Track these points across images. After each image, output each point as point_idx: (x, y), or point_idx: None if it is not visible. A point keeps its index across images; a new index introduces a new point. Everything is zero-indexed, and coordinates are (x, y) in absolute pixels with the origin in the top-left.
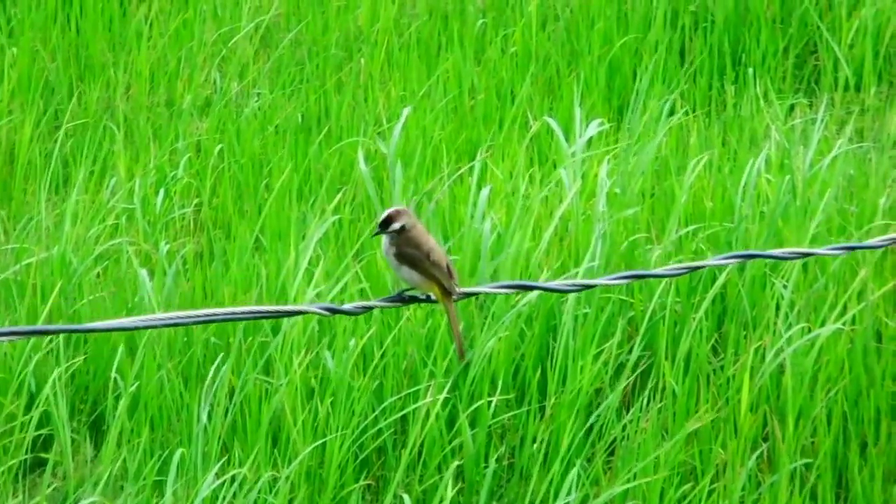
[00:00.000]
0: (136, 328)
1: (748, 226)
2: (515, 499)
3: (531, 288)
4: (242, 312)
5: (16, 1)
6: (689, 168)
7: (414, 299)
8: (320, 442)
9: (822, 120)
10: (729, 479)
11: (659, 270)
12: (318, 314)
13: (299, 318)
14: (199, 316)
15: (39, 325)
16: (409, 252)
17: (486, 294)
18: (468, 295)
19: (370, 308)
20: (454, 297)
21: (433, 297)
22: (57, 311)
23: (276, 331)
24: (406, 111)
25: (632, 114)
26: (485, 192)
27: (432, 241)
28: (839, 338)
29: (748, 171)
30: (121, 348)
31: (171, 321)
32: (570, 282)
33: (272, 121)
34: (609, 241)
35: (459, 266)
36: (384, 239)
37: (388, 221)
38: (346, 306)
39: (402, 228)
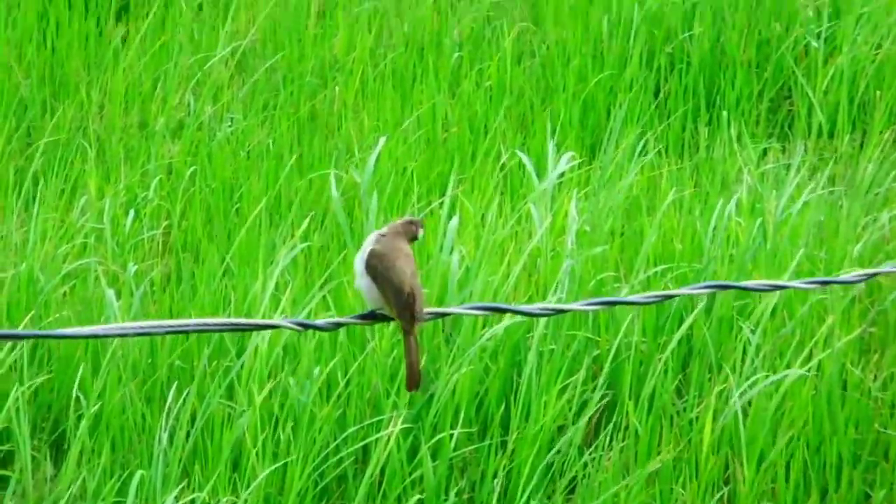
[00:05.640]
0: (108, 336)
1: (717, 268)
2: None
3: (502, 310)
4: (214, 324)
5: None
6: (660, 208)
7: (385, 318)
8: (280, 463)
9: (796, 166)
10: None
11: (631, 297)
12: (290, 328)
13: (264, 343)
14: (170, 326)
15: (7, 330)
16: (376, 265)
17: (457, 315)
18: (439, 315)
19: (341, 325)
20: (411, 325)
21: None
22: (22, 327)
23: (240, 355)
24: (382, 140)
25: (604, 152)
26: (453, 223)
27: (405, 264)
28: (804, 384)
29: (718, 213)
30: (85, 367)
31: (142, 330)
32: (541, 305)
33: (244, 146)
34: (577, 279)
35: (427, 298)
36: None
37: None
38: (318, 322)
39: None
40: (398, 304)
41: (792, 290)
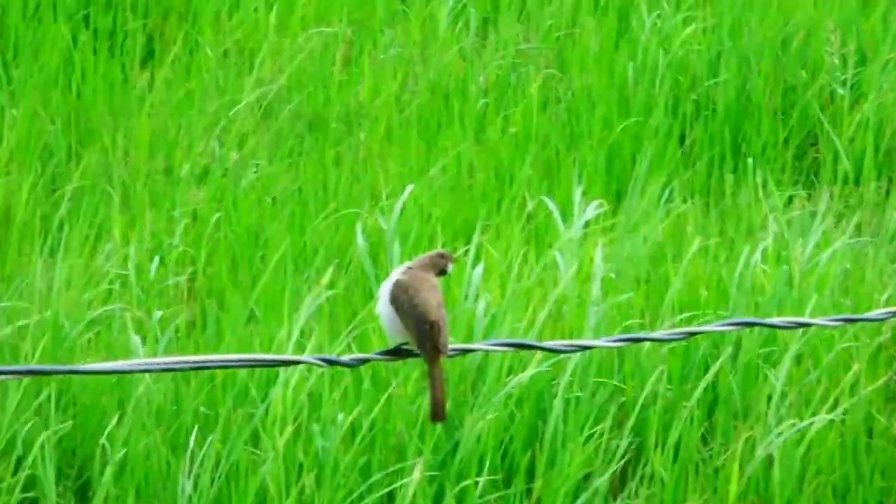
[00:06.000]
0: (132, 371)
1: (743, 315)
2: None
3: (527, 347)
4: (237, 360)
5: (18, 63)
6: (686, 255)
7: (410, 353)
8: None
9: (821, 213)
10: None
11: (656, 334)
12: (315, 365)
13: (289, 389)
14: (194, 362)
15: (34, 365)
16: (399, 296)
17: (482, 353)
18: (465, 351)
19: (367, 361)
20: (435, 356)
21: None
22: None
23: (265, 402)
24: (409, 188)
25: (630, 199)
26: (478, 270)
27: (431, 296)
28: (830, 431)
29: (744, 261)
30: (109, 413)
31: (166, 366)
32: (566, 342)
33: (270, 192)
34: (603, 326)
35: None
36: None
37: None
38: (343, 358)
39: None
40: (420, 335)
41: (818, 337)
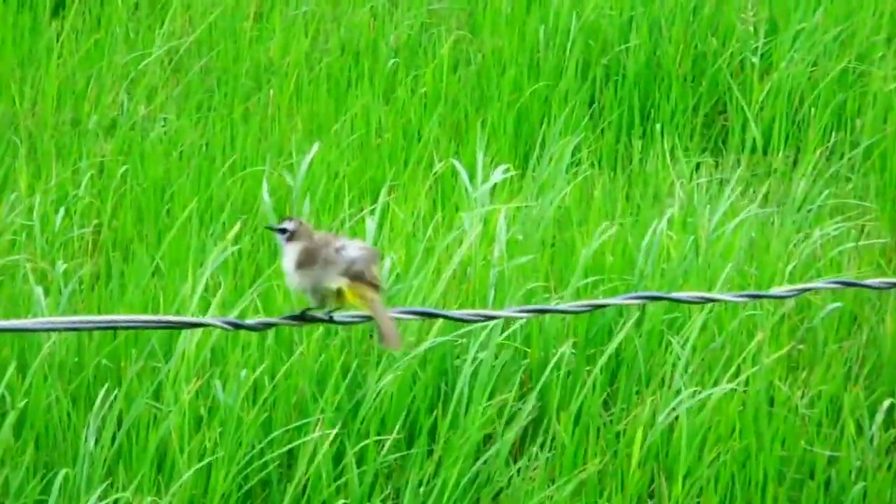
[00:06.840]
0: (36, 330)
1: (648, 282)
2: None
3: (434, 315)
4: (143, 321)
5: None
6: (593, 221)
7: (315, 319)
8: (205, 462)
9: (729, 181)
10: None
11: (562, 306)
12: (221, 328)
13: (192, 345)
14: (99, 322)
15: None
16: (304, 262)
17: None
18: (370, 318)
19: (272, 325)
20: (371, 291)
21: (335, 318)
22: None
23: (168, 357)
24: (316, 146)
25: (537, 162)
26: (370, 225)
27: (342, 243)
28: (732, 399)
29: (650, 227)
30: (11, 364)
31: (72, 325)
32: (472, 312)
33: (177, 146)
34: (507, 288)
35: None
36: (285, 259)
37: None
38: (249, 322)
39: (292, 232)
40: (355, 274)
41: (722, 305)
